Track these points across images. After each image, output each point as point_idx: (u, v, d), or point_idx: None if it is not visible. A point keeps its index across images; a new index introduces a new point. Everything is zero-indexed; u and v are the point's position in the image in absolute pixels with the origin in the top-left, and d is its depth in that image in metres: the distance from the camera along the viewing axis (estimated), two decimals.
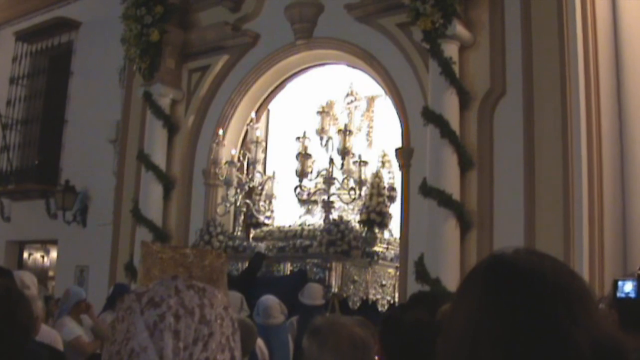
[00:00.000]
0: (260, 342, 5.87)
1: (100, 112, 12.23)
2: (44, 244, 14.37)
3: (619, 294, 2.96)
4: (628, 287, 2.96)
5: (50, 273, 14.28)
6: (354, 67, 9.97)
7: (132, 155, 11.09)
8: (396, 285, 9.18)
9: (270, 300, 6.86)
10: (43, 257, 14.71)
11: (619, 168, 7.58)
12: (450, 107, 8.14)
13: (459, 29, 8.20)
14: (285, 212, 10.53)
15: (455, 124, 8.10)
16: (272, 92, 10.90)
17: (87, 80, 12.84)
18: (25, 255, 14.24)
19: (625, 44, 7.78)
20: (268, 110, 11.34)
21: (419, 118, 8.30)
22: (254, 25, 10.58)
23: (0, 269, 4.25)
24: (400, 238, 8.81)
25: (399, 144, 8.98)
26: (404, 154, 8.76)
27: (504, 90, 8.20)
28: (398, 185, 9.35)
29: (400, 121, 9.02)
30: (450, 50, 8.23)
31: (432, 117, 8.09)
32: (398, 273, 8.96)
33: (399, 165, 8.91)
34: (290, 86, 10.98)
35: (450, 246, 7.91)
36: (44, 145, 13.47)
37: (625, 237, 7.42)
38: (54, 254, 13.86)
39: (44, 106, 13.76)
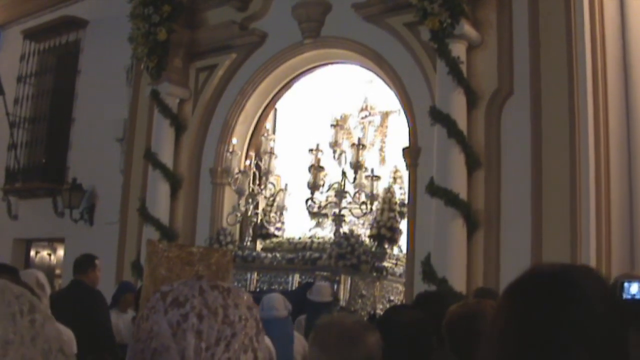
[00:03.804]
0: (267, 341, 5.87)
1: (107, 111, 12.25)
2: (51, 242, 14.40)
3: (625, 296, 2.95)
4: (634, 288, 2.95)
5: (57, 271, 14.30)
6: (361, 66, 9.96)
7: (139, 154, 11.11)
8: (404, 302, 9.15)
9: (274, 294, 6.95)
10: (50, 255, 14.74)
11: (627, 167, 7.55)
12: (457, 107, 8.13)
13: (467, 28, 8.19)
14: (296, 225, 10.57)
15: (462, 124, 8.08)
16: (279, 91, 10.90)
17: (95, 79, 12.86)
18: (32, 253, 14.26)
19: (633, 43, 7.75)
20: (275, 110, 11.35)
21: (427, 117, 8.29)
22: (261, 24, 10.58)
23: (6, 266, 4.24)
24: (407, 238, 8.79)
25: (407, 164, 8.94)
26: (411, 154, 8.75)
27: (512, 89, 8.18)
28: (405, 186, 9.33)
29: (407, 120, 9.00)
30: (458, 49, 8.22)
31: (440, 117, 8.08)
32: (405, 273, 8.93)
33: (406, 165, 8.90)
34: (298, 85, 10.99)
35: (457, 246, 7.90)
36: (51, 144, 13.50)
37: (633, 238, 7.39)
38: (60, 252, 13.88)
39: (51, 104, 13.79)
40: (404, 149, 8.92)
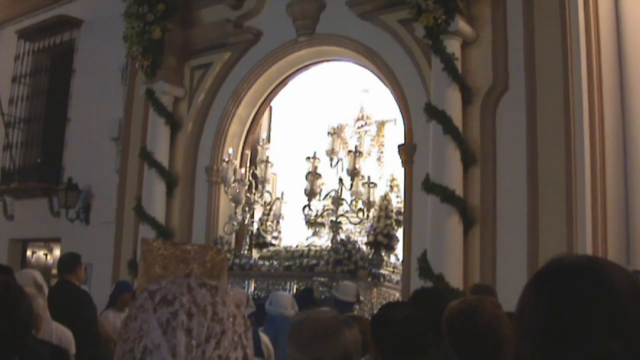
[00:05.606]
0: (265, 339, 5.87)
1: (102, 110, 12.23)
2: (47, 242, 14.39)
3: None
4: None
5: (54, 271, 14.28)
6: (356, 63, 9.96)
7: (134, 153, 11.09)
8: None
9: (284, 293, 7.06)
10: (46, 255, 14.73)
11: (622, 164, 7.56)
12: (452, 103, 8.13)
13: (461, 25, 8.19)
14: (293, 234, 10.58)
15: (457, 120, 8.09)
16: (274, 88, 10.89)
17: (90, 78, 12.83)
18: (29, 253, 14.24)
19: (628, 39, 7.76)
20: (270, 108, 11.34)
21: (422, 114, 8.29)
22: (255, 22, 10.57)
23: (0, 266, 4.24)
24: (403, 236, 8.79)
25: (403, 161, 8.93)
26: (407, 150, 8.75)
27: (507, 86, 8.19)
28: (401, 183, 9.34)
29: (402, 117, 9.01)
30: (453, 46, 8.22)
31: (435, 113, 8.08)
32: (402, 274, 8.92)
33: (402, 162, 8.90)
34: (293, 88, 11.01)
35: (453, 242, 7.90)
36: (47, 144, 13.47)
37: (629, 234, 7.40)
38: (57, 252, 13.86)
39: (46, 104, 13.76)
40: (399, 146, 8.93)
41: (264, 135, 10.95)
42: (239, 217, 10.11)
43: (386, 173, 10.59)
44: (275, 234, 10.47)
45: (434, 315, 3.28)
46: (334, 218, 9.61)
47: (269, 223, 10.46)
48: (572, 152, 7.44)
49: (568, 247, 7.16)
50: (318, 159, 9.81)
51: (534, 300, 1.31)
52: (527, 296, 1.33)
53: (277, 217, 10.56)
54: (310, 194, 9.64)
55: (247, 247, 10.27)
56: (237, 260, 9.78)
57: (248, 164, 10.83)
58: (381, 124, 11.03)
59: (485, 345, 2.92)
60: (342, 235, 9.53)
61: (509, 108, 8.12)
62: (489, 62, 8.30)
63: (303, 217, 10.09)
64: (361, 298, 8.61)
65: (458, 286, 7.64)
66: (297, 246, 10.10)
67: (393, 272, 9.47)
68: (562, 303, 1.26)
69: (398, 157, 9.04)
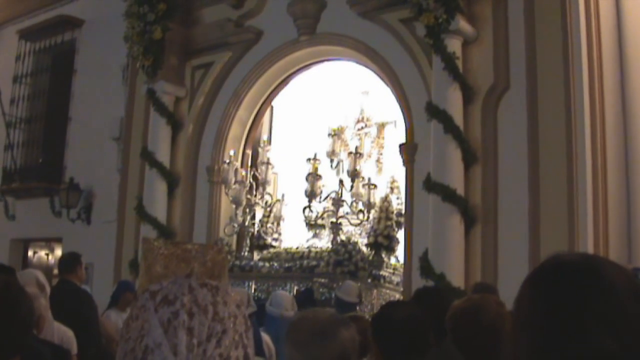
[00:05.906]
0: (267, 338, 5.86)
1: (104, 110, 12.24)
2: (49, 242, 14.38)
3: None
4: None
5: (55, 271, 14.27)
6: (357, 62, 9.96)
7: (136, 153, 11.09)
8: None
9: (285, 293, 7.03)
10: (48, 255, 14.71)
11: (623, 162, 7.56)
12: (453, 102, 8.13)
13: (462, 24, 8.19)
14: (293, 236, 10.56)
15: (459, 119, 8.08)
16: (275, 88, 10.89)
17: (91, 78, 12.85)
18: (30, 253, 14.24)
19: (629, 37, 7.75)
20: (272, 107, 11.34)
21: (423, 113, 8.28)
22: (256, 21, 10.57)
23: (2, 266, 4.24)
24: (404, 233, 8.79)
25: (404, 161, 8.93)
26: (408, 150, 8.74)
27: (508, 84, 8.19)
28: (402, 183, 9.33)
29: (403, 117, 9.01)
30: (454, 45, 8.22)
31: (436, 113, 8.08)
32: (403, 274, 8.91)
33: (403, 161, 8.89)
34: (294, 89, 11.01)
35: (454, 241, 7.90)
36: (48, 144, 13.49)
37: (630, 232, 7.40)
38: (58, 251, 13.86)
39: (47, 104, 13.77)
40: (400, 146, 8.93)
41: (264, 136, 10.93)
42: (240, 219, 10.11)
43: (386, 174, 10.59)
44: (275, 235, 10.44)
45: (436, 314, 3.28)
46: (334, 219, 9.60)
47: (269, 225, 10.45)
48: (573, 151, 7.44)
49: (569, 245, 7.16)
50: (318, 160, 9.80)
51: (531, 297, 1.31)
52: (525, 294, 1.33)
53: (278, 219, 10.55)
54: (311, 195, 9.63)
55: (247, 248, 10.25)
56: (237, 262, 9.77)
57: (249, 164, 10.84)
58: (381, 126, 11.03)
59: (489, 343, 2.93)
60: (343, 237, 9.51)
61: (510, 107, 8.12)
62: (490, 61, 8.30)
63: (303, 218, 10.09)
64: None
65: (459, 285, 7.64)
66: (297, 248, 10.08)
67: (393, 273, 9.46)
68: (559, 301, 1.25)
69: (398, 158, 9.03)
